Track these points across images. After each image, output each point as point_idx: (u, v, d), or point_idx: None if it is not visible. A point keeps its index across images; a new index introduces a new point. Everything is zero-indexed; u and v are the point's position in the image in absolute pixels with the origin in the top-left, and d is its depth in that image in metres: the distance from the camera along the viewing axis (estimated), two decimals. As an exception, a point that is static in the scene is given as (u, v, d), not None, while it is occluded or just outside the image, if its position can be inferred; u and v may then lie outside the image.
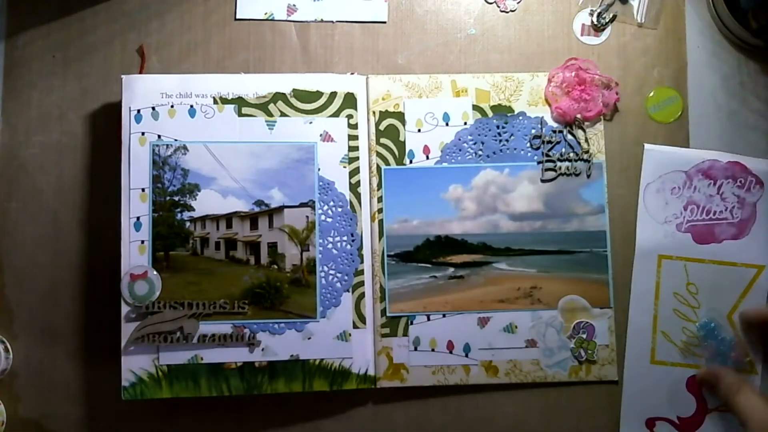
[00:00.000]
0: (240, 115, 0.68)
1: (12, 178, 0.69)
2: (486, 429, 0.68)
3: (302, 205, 0.68)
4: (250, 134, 0.68)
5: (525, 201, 0.69)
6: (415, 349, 0.67)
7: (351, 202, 0.68)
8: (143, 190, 0.66)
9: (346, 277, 0.67)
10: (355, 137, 0.69)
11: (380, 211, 0.68)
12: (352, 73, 0.70)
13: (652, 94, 0.71)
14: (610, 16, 0.71)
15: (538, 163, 0.69)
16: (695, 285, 0.67)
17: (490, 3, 0.72)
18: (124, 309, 0.65)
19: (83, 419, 0.67)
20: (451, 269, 0.68)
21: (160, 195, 0.67)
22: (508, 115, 0.70)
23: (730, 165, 0.68)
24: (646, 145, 0.69)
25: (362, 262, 0.67)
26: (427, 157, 0.69)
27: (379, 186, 0.68)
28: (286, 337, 0.66)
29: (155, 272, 0.66)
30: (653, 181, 0.68)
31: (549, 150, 0.69)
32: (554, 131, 0.69)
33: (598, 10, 0.71)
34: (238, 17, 0.71)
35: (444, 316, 0.67)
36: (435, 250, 0.68)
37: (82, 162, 0.70)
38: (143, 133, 0.67)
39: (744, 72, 0.72)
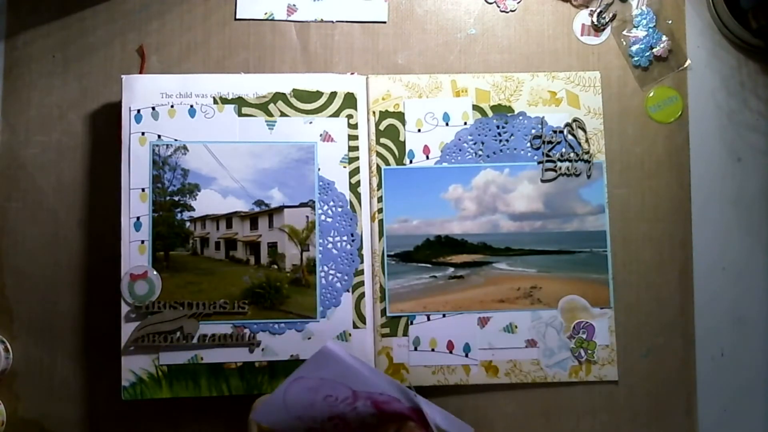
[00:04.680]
0: (240, 115, 0.68)
1: (12, 178, 0.69)
2: (486, 429, 0.68)
3: (302, 205, 0.68)
4: (250, 134, 0.68)
5: (525, 201, 0.69)
6: (415, 349, 0.67)
7: (351, 202, 0.68)
8: (143, 190, 0.66)
9: (346, 277, 0.67)
10: (355, 137, 0.69)
11: (380, 211, 0.68)
12: (352, 73, 0.70)
13: (652, 94, 0.71)
14: (610, 15, 0.71)
15: (539, 163, 0.69)
16: None
17: (490, 3, 0.72)
18: (124, 309, 0.65)
19: (83, 419, 0.67)
20: (451, 269, 0.68)
21: (160, 195, 0.66)
22: (508, 115, 0.70)
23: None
24: None
25: (362, 262, 0.67)
26: (427, 157, 0.69)
27: (379, 186, 0.68)
28: (286, 337, 0.66)
29: (155, 272, 0.66)
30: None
31: (549, 150, 0.69)
32: (554, 131, 0.69)
33: (598, 10, 0.71)
34: (238, 17, 0.71)
35: (444, 316, 0.67)
36: (435, 250, 0.68)
37: (82, 162, 0.70)
38: (143, 133, 0.67)
39: (744, 72, 0.72)
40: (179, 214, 0.67)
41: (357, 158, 0.68)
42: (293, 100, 0.68)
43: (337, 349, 0.49)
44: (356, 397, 0.51)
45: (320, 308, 0.66)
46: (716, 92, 0.72)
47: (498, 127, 0.69)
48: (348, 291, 0.67)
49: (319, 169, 0.68)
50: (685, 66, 0.72)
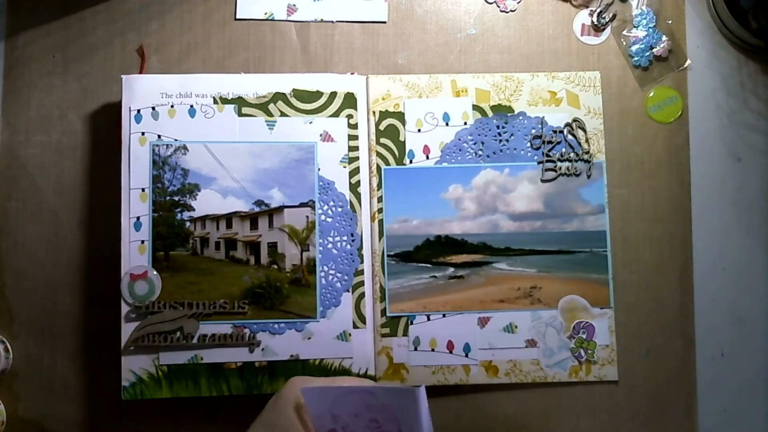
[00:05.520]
0: (240, 115, 0.68)
1: (12, 178, 0.69)
2: (486, 429, 0.68)
3: (302, 205, 0.68)
4: (250, 134, 0.68)
5: (525, 201, 0.69)
6: (415, 349, 0.67)
7: (351, 202, 0.68)
8: (143, 190, 0.66)
9: (346, 277, 0.67)
10: (355, 137, 0.69)
11: (380, 211, 0.68)
12: (352, 73, 0.70)
13: (652, 94, 0.71)
14: (610, 15, 0.71)
15: (539, 163, 0.69)
16: None
17: (490, 3, 0.72)
18: (124, 309, 0.65)
19: (83, 419, 0.67)
20: (451, 269, 0.68)
21: (160, 195, 0.67)
22: (508, 115, 0.70)
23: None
24: None
25: (362, 262, 0.67)
26: (427, 157, 0.69)
27: (379, 186, 0.68)
28: (286, 337, 0.66)
29: (155, 272, 0.66)
30: None
31: (549, 150, 0.69)
32: (554, 131, 0.69)
33: (598, 10, 0.71)
34: (238, 17, 0.71)
35: (444, 316, 0.67)
36: (435, 250, 0.68)
37: (82, 162, 0.70)
38: (143, 133, 0.67)
39: (744, 72, 0.72)
40: (179, 214, 0.67)
41: (357, 158, 0.68)
42: (293, 100, 0.68)
43: (423, 397, 0.50)
44: None
45: (320, 308, 0.66)
46: (716, 92, 0.72)
47: (498, 127, 0.69)
48: (348, 291, 0.67)
49: (319, 169, 0.68)
50: (685, 66, 0.72)
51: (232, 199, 0.67)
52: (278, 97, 0.68)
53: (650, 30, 0.71)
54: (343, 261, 0.67)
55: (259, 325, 0.66)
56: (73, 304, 0.68)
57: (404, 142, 0.69)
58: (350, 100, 0.69)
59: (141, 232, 0.66)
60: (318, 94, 0.68)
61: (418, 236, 0.68)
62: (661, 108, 0.71)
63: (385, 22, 0.72)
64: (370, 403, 0.51)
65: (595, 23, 0.71)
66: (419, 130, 0.69)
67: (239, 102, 0.68)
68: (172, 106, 0.67)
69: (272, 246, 0.67)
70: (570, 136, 0.69)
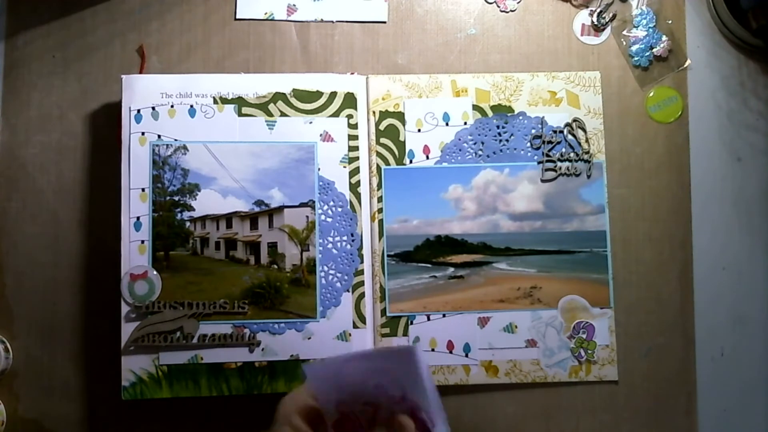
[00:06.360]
0: (240, 115, 0.68)
1: (12, 178, 0.69)
2: (486, 429, 0.68)
3: (302, 205, 0.68)
4: (250, 134, 0.68)
5: (525, 201, 0.69)
6: (415, 349, 0.67)
7: (351, 202, 0.68)
8: (143, 190, 0.66)
9: (346, 277, 0.67)
10: (355, 137, 0.69)
11: (380, 211, 0.68)
12: (352, 73, 0.70)
13: (652, 94, 0.71)
14: (610, 15, 0.71)
15: (539, 163, 0.69)
16: None
17: (490, 3, 0.72)
18: (124, 309, 0.65)
19: (83, 419, 0.67)
20: (451, 269, 0.68)
21: (160, 195, 0.67)
22: (508, 115, 0.70)
23: None
24: None
25: (362, 262, 0.67)
26: (427, 157, 0.69)
27: (379, 186, 0.68)
28: (286, 337, 0.66)
29: (155, 272, 0.66)
30: None
31: (549, 150, 0.69)
32: (554, 131, 0.69)
33: (598, 10, 0.71)
34: (238, 17, 0.71)
35: (444, 316, 0.67)
36: (435, 250, 0.68)
37: (82, 162, 0.70)
38: (143, 133, 0.67)
39: (744, 72, 0.72)
40: (179, 214, 0.67)
41: (357, 158, 0.68)
42: (293, 100, 0.68)
43: (420, 355, 0.49)
44: (402, 401, 0.51)
45: (320, 308, 0.66)
46: (716, 92, 0.72)
47: (498, 127, 0.69)
48: (348, 291, 0.67)
49: (319, 169, 0.68)
50: (685, 66, 0.72)
51: (232, 199, 0.67)
52: (278, 97, 0.68)
53: (650, 30, 0.71)
54: (343, 261, 0.67)
55: (259, 325, 0.66)
56: (73, 304, 0.68)
57: (404, 142, 0.69)
58: (350, 100, 0.69)
59: (141, 232, 0.66)
60: (318, 94, 0.68)
61: (418, 236, 0.68)
62: (661, 108, 0.71)
63: (385, 22, 0.72)
64: (371, 367, 0.51)
65: (595, 23, 0.71)
66: (419, 130, 0.69)
67: (239, 102, 0.68)
68: (172, 106, 0.67)
69: (272, 246, 0.67)
70: (570, 136, 0.69)
